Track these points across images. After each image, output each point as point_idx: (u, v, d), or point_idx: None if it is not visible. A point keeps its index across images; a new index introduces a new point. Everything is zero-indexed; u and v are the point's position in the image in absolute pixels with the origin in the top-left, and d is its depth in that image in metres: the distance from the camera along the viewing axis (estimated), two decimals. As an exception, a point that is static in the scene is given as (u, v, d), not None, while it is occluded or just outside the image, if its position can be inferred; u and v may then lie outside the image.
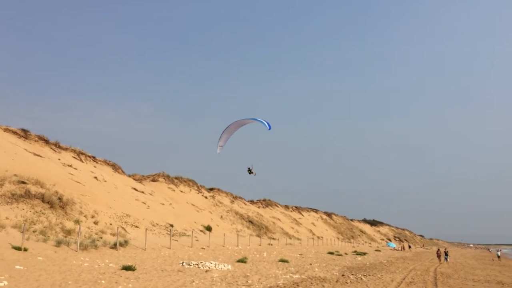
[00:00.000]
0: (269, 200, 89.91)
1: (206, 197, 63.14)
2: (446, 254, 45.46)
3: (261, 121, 24.75)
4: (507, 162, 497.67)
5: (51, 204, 27.20)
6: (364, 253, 52.39)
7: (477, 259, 62.51)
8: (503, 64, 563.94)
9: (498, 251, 66.70)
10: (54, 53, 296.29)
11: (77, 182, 35.97)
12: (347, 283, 19.64)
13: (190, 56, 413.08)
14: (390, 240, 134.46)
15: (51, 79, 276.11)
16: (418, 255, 64.67)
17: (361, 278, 21.86)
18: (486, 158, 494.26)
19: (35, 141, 40.60)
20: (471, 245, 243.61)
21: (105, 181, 42.50)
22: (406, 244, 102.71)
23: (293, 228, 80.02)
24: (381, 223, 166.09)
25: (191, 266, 21.47)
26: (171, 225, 38.96)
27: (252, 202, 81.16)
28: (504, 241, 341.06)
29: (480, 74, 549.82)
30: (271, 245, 48.35)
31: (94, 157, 48.48)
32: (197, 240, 36.00)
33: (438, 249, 50.32)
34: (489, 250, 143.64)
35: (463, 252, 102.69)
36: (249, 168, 26.60)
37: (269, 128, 25.01)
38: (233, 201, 70.75)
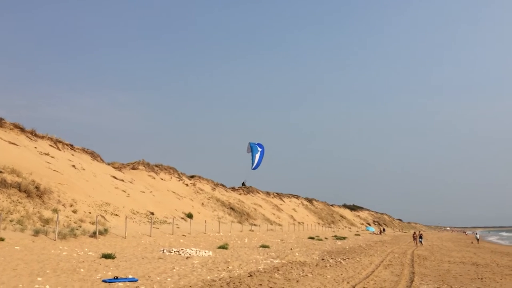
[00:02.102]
0: (250, 187, 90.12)
1: (187, 185, 62.96)
2: (420, 237, 46.67)
3: (252, 160, 30.07)
4: (483, 145, 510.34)
5: (28, 193, 26.72)
6: (344, 238, 53.27)
7: (454, 241, 64.24)
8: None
9: (476, 233, 68.61)
10: (31, 40, 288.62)
11: (55, 170, 35.38)
12: (326, 266, 19.96)
13: (169, 43, 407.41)
14: (369, 225, 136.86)
15: (28, 66, 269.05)
16: (396, 239, 66.07)
17: (340, 262, 22.25)
18: (461, 142, 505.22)
19: (10, 129, 39.57)
20: (448, 228, 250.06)
21: (84, 169, 41.91)
22: (381, 228, 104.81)
23: (274, 214, 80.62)
24: (361, 208, 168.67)
25: (172, 253, 21.49)
26: (152, 213, 38.80)
27: (233, 189, 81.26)
28: (480, 223, 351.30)
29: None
30: (253, 231, 48.67)
31: (71, 145, 47.59)
32: (178, 228, 35.98)
33: (414, 232, 51.57)
34: (465, 232, 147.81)
35: (440, 235, 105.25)
36: (243, 182, 35.33)
37: (253, 169, 30.45)
38: (214, 188, 70.75)
